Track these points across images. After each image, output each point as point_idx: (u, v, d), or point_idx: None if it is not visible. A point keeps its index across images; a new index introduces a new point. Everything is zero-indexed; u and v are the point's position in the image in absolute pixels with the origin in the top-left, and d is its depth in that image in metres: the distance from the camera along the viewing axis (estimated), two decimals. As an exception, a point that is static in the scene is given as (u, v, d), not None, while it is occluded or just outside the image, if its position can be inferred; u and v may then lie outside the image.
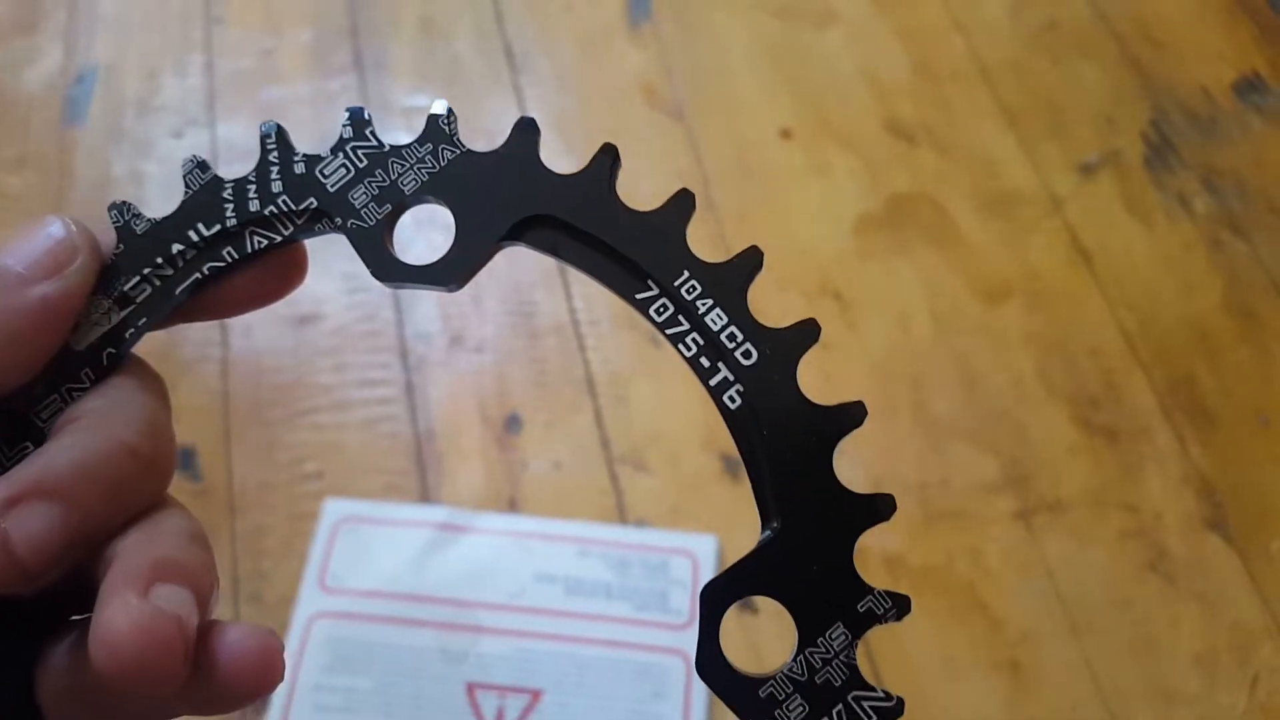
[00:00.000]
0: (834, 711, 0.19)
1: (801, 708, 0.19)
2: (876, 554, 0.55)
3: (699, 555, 0.53)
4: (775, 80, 0.71)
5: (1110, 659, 0.53)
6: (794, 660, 0.19)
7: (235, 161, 0.67)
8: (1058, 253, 0.64)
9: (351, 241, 0.21)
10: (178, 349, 0.60)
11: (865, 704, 0.19)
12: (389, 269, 0.21)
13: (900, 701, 0.19)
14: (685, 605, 0.52)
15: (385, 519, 0.54)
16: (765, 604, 0.58)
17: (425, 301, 0.62)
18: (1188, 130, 0.69)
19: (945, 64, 0.72)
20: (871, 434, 0.59)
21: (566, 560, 0.53)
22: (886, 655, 0.52)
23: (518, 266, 0.64)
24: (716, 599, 0.20)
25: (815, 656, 0.19)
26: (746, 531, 0.55)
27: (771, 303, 0.22)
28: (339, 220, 0.21)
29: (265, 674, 0.19)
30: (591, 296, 0.62)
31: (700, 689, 0.50)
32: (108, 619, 0.17)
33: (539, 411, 0.59)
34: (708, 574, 0.53)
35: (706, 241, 0.24)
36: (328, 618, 0.52)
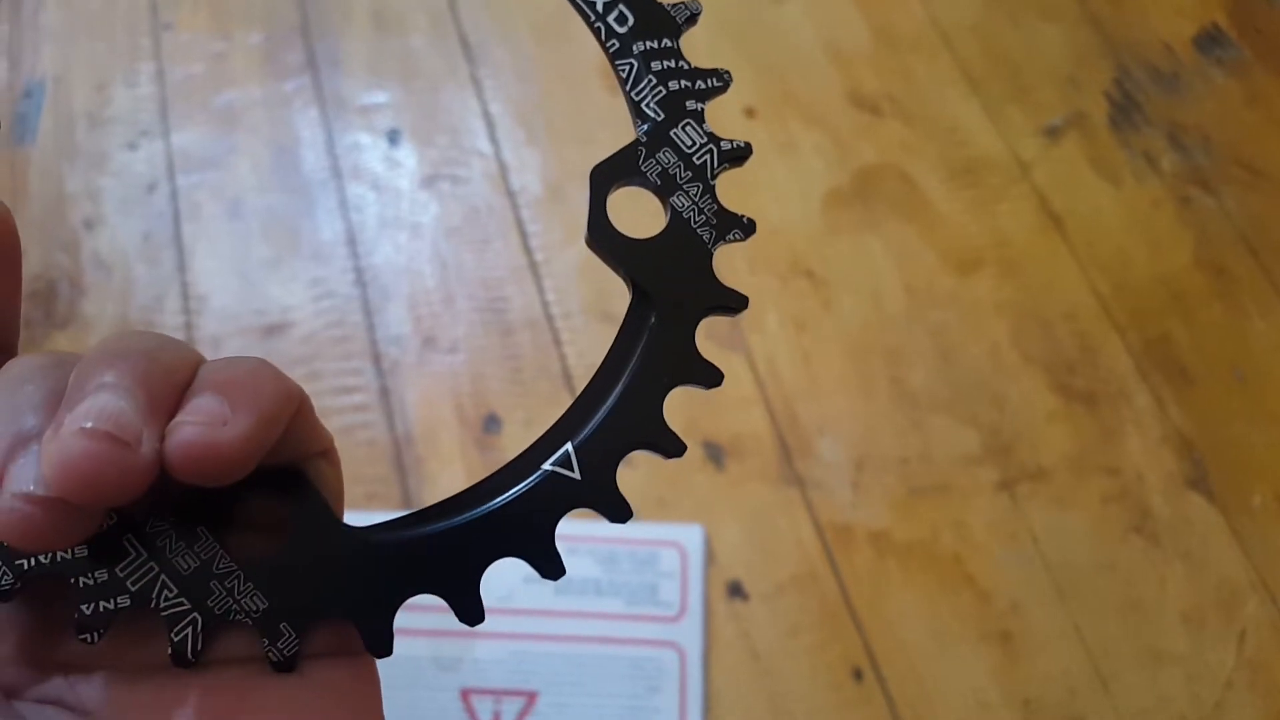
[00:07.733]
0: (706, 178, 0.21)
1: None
2: (862, 532, 0.55)
3: (687, 546, 0.53)
4: (737, 58, 0.70)
5: (1099, 623, 0.53)
6: (667, 221, 0.21)
7: (193, 171, 0.66)
8: (1027, 218, 0.64)
9: None
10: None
11: (720, 147, 0.21)
12: None
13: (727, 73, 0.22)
14: (676, 597, 0.52)
15: (369, 528, 0.54)
16: (755, 590, 0.57)
17: (395, 304, 0.61)
18: (1151, 87, 0.69)
19: (906, 31, 0.71)
20: (851, 411, 0.59)
21: (554, 558, 0.53)
22: (877, 634, 0.52)
23: (485, 263, 0.63)
24: (602, 180, 0.21)
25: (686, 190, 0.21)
26: (733, 520, 0.55)
27: (743, 284, 0.21)
28: None
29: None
30: (564, 289, 0.61)
31: (696, 681, 0.50)
32: None
33: (517, 410, 0.58)
34: (697, 564, 0.53)
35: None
36: (317, 631, 0.51)
